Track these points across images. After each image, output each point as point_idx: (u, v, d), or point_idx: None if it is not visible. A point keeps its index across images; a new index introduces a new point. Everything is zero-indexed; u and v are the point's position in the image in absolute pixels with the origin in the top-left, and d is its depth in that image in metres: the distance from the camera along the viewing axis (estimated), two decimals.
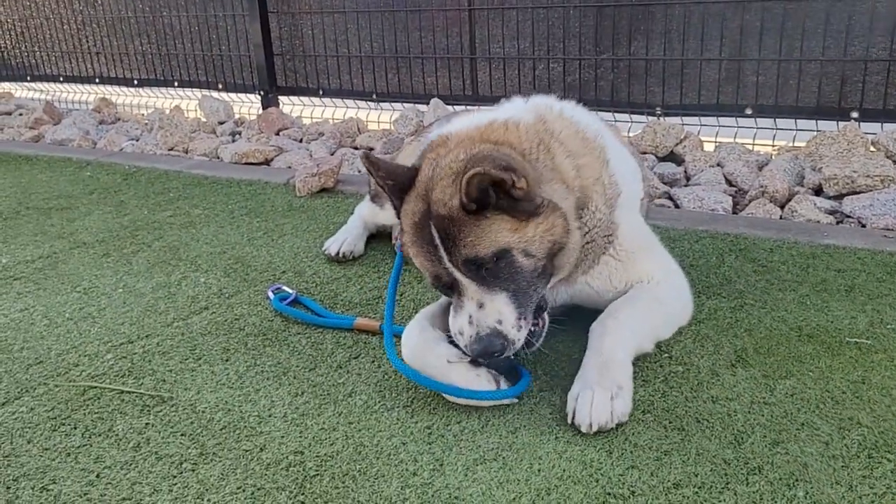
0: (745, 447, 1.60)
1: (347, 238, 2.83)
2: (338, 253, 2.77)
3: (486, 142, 1.83)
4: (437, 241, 1.76)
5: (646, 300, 2.00)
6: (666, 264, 2.13)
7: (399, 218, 1.91)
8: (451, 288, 1.80)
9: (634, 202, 2.10)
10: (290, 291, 2.44)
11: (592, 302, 2.05)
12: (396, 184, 1.87)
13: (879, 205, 2.97)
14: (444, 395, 1.83)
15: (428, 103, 4.98)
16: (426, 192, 1.80)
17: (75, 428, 1.80)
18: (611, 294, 2.04)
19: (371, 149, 4.76)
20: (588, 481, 1.53)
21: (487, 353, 1.72)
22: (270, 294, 2.44)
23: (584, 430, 1.68)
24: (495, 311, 1.74)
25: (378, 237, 2.96)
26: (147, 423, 1.81)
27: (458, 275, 1.75)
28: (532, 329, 1.80)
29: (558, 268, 1.86)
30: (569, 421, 1.71)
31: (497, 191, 1.70)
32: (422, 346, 1.85)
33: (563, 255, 1.84)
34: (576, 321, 2.06)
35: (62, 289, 2.65)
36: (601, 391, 1.71)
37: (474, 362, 1.82)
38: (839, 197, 3.20)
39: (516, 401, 1.81)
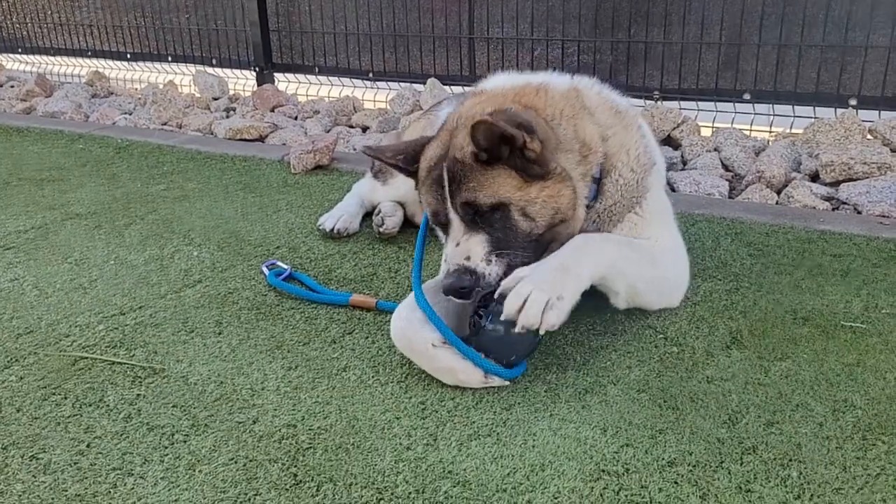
0: (739, 427, 1.60)
1: (343, 215, 2.81)
2: (333, 229, 2.75)
3: (516, 102, 1.88)
4: (445, 181, 1.82)
5: (642, 248, 1.98)
6: (673, 236, 2.14)
7: (416, 178, 1.99)
8: (444, 227, 1.88)
9: (662, 177, 2.18)
10: (285, 267, 2.42)
11: None
12: (407, 156, 1.97)
13: (876, 192, 2.97)
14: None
15: (425, 83, 4.94)
16: (448, 139, 1.88)
17: (66, 398, 1.79)
18: None
19: (367, 128, 4.73)
20: (582, 458, 1.52)
21: (454, 288, 1.73)
22: (265, 269, 2.42)
23: (503, 316, 1.67)
24: (465, 249, 1.78)
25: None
26: (138, 394, 1.79)
27: (453, 215, 1.82)
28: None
29: (556, 240, 1.85)
30: (495, 296, 1.72)
31: (510, 147, 1.75)
32: (407, 327, 1.84)
33: (564, 227, 1.84)
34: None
35: (53, 259, 2.62)
36: (539, 294, 1.67)
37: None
38: (835, 183, 3.20)
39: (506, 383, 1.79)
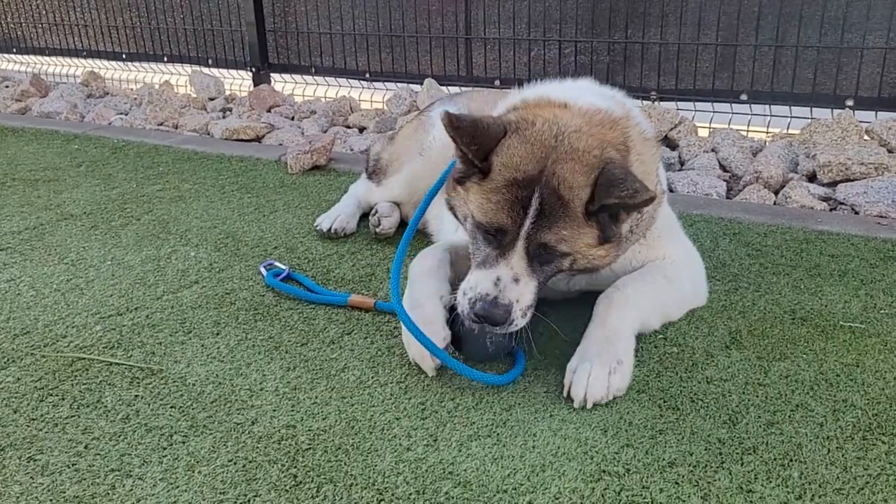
0: (739, 427, 1.60)
1: (340, 215, 2.80)
2: (329, 229, 2.74)
3: (606, 140, 1.77)
4: (533, 210, 1.69)
5: (655, 277, 1.99)
6: (684, 248, 2.14)
7: (475, 166, 1.78)
8: (498, 246, 1.74)
9: (665, 194, 2.12)
10: (283, 267, 2.41)
11: (609, 282, 2.00)
12: (481, 148, 1.75)
13: (873, 192, 2.97)
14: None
15: (422, 83, 4.93)
16: (545, 159, 1.71)
17: (63, 399, 1.78)
18: (627, 272, 2.03)
19: (364, 128, 4.72)
20: (583, 458, 1.52)
21: (491, 317, 1.69)
22: (263, 270, 2.41)
23: (576, 404, 1.68)
24: (520, 292, 1.71)
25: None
26: (136, 395, 1.78)
27: (521, 245, 1.71)
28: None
29: (570, 275, 1.89)
30: (564, 393, 1.71)
31: (614, 215, 1.73)
32: (427, 271, 1.93)
33: (587, 272, 1.85)
34: (572, 301, 2.05)
35: (49, 260, 2.61)
36: (600, 365, 1.71)
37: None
38: (833, 184, 3.20)
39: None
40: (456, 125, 1.72)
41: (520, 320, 1.72)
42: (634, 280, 1.96)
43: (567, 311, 2.06)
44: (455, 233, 2.17)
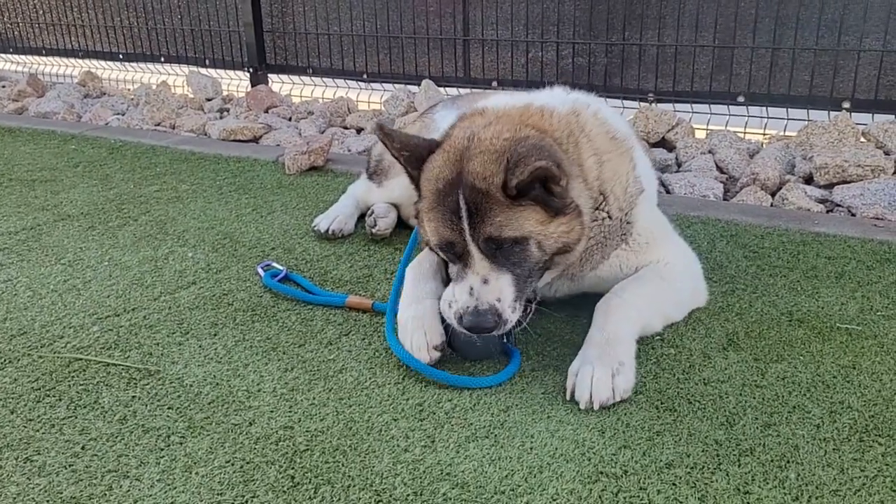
0: (736, 429, 1.60)
1: (338, 216, 2.80)
2: (327, 230, 2.74)
3: (525, 125, 1.83)
4: (464, 212, 1.76)
5: (652, 279, 1.99)
6: (678, 249, 2.14)
7: (417, 187, 1.93)
8: (458, 257, 1.81)
9: (653, 198, 2.13)
10: (281, 268, 2.41)
11: (600, 289, 2.01)
12: (413, 154, 1.88)
13: (870, 194, 2.98)
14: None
15: (419, 85, 4.93)
16: (459, 160, 1.80)
17: (60, 399, 1.77)
18: (619, 280, 2.03)
19: (361, 129, 4.72)
20: (580, 460, 1.52)
21: (480, 327, 1.72)
22: (260, 271, 2.40)
23: (582, 405, 1.68)
24: (497, 289, 1.74)
25: None
26: (133, 396, 1.78)
27: (473, 248, 1.76)
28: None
29: (555, 265, 1.88)
30: (567, 396, 1.71)
31: (540, 183, 1.73)
32: (423, 274, 1.97)
33: (566, 256, 1.85)
34: (568, 303, 2.05)
35: (46, 260, 2.60)
36: (602, 367, 1.71)
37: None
38: (829, 186, 3.21)
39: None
40: (387, 132, 1.89)
41: (511, 316, 1.75)
42: (632, 284, 1.97)
43: (563, 314, 2.07)
44: None
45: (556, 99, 2.00)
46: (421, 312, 1.87)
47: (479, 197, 1.74)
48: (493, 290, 1.74)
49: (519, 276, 1.77)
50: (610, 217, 1.95)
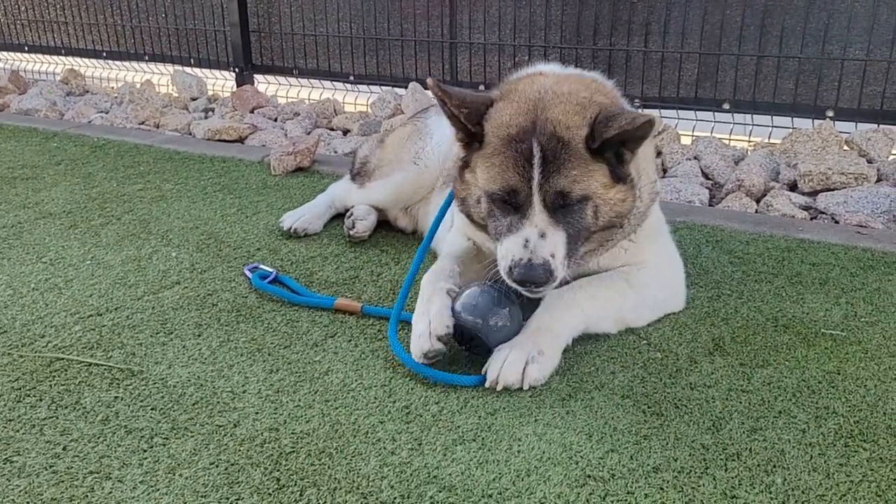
0: (723, 433, 1.61)
1: (305, 215, 2.79)
2: (290, 228, 2.73)
3: (590, 87, 1.85)
4: (537, 159, 1.72)
5: (616, 283, 2.00)
6: (665, 254, 2.15)
7: (469, 144, 1.88)
8: (515, 208, 1.77)
9: (659, 196, 2.16)
10: (270, 270, 2.38)
11: (594, 273, 2.04)
12: (472, 111, 1.83)
13: (853, 202, 3.01)
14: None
15: (406, 87, 4.93)
16: (533, 110, 1.77)
17: (41, 399, 1.74)
18: (615, 269, 2.05)
19: (348, 130, 4.71)
20: (567, 463, 1.51)
21: (532, 279, 1.71)
22: (248, 273, 2.38)
23: (486, 384, 1.72)
24: (553, 244, 1.73)
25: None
26: (116, 397, 1.76)
27: (537, 198, 1.74)
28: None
29: (593, 241, 1.87)
30: (482, 373, 1.77)
31: (622, 145, 1.74)
32: (437, 272, 1.97)
33: (608, 232, 1.86)
34: None
35: (27, 259, 2.56)
36: (518, 352, 1.73)
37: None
38: (813, 193, 3.23)
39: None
40: (444, 89, 1.80)
41: (561, 273, 1.75)
42: (591, 284, 1.97)
43: None
44: (455, 241, 2.20)
45: (599, 76, 2.03)
46: (429, 308, 1.84)
47: (559, 146, 1.72)
48: (549, 244, 1.72)
49: (571, 236, 1.76)
50: (641, 200, 1.94)
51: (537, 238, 1.73)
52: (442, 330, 1.79)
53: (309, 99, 5.44)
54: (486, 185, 1.81)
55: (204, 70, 5.98)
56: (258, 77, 5.77)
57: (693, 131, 4.18)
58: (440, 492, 1.44)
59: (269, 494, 1.43)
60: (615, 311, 1.98)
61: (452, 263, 2.04)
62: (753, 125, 4.11)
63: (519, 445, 1.57)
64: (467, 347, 1.87)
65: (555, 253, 1.73)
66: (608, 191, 1.77)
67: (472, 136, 1.86)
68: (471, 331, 1.81)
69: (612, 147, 1.75)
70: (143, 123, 4.93)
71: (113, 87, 6.29)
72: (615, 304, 1.98)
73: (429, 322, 1.81)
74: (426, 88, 4.80)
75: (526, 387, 1.73)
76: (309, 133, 4.62)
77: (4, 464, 1.52)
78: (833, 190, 3.18)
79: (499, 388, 1.72)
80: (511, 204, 1.77)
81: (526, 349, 1.74)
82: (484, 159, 1.81)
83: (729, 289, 2.30)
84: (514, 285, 1.76)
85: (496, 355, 1.75)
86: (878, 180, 3.30)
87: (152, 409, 1.71)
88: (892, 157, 3.60)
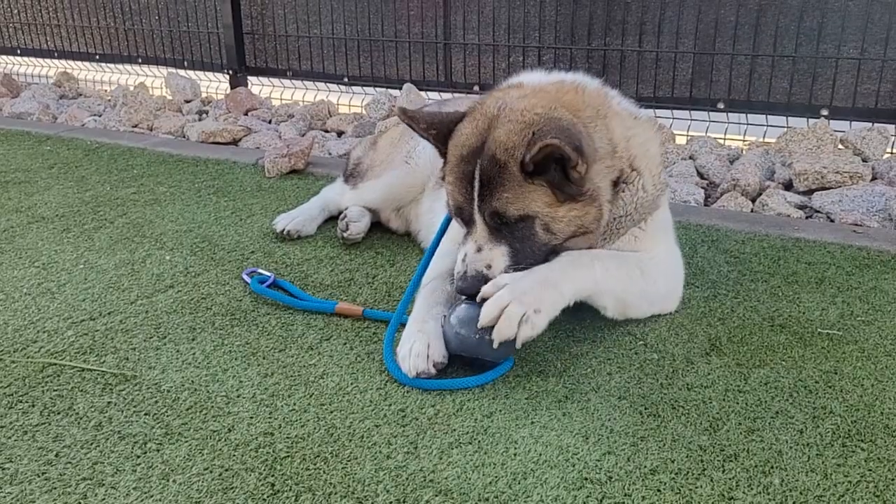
0: (720, 434, 1.60)
1: (298, 217, 2.78)
2: (283, 230, 2.72)
3: (558, 101, 1.84)
4: (477, 180, 1.78)
5: (630, 266, 1.99)
6: (671, 252, 2.15)
7: (444, 160, 1.95)
8: (466, 223, 1.86)
9: (668, 189, 2.18)
10: (268, 274, 2.36)
11: None
12: (440, 132, 1.92)
13: (848, 201, 3.01)
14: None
15: (400, 88, 4.92)
16: (487, 129, 1.81)
17: (33, 405, 1.73)
18: None
19: (342, 132, 4.69)
20: (564, 466, 1.51)
21: (465, 291, 1.79)
22: (246, 277, 2.36)
23: (479, 324, 1.72)
24: (488, 258, 1.79)
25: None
26: (109, 402, 1.74)
27: (478, 217, 1.80)
28: None
29: (572, 247, 1.87)
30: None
31: (557, 165, 1.73)
32: (431, 289, 1.98)
33: (583, 238, 1.86)
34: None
35: (19, 263, 2.55)
36: (517, 305, 1.70)
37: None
38: (809, 192, 3.23)
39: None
40: (411, 115, 1.92)
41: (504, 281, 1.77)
42: (611, 256, 1.96)
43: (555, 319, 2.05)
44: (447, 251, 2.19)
45: (586, 79, 2.03)
46: (423, 331, 1.84)
47: (496, 169, 1.75)
48: (483, 258, 1.78)
49: (519, 250, 1.79)
50: (645, 190, 1.96)
51: (473, 253, 1.80)
52: (440, 358, 1.80)
53: (303, 101, 5.43)
54: (446, 200, 1.92)
55: (197, 72, 5.96)
56: (252, 79, 5.75)
57: (688, 131, 4.18)
58: (436, 496, 1.43)
59: (264, 500, 1.42)
60: (621, 290, 1.97)
61: (444, 283, 2.02)
62: (748, 124, 4.10)
63: (515, 448, 1.56)
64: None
65: (491, 265, 1.78)
66: (556, 209, 1.77)
67: (443, 153, 1.95)
68: (469, 349, 1.79)
69: (551, 164, 1.73)
70: (136, 126, 4.91)
71: (106, 90, 6.27)
72: (623, 285, 1.97)
73: (428, 345, 1.80)
74: (420, 90, 4.82)
75: (518, 345, 1.72)
76: (303, 135, 4.60)
77: None
78: (828, 189, 3.18)
79: (495, 344, 1.71)
80: (462, 219, 1.86)
81: (525, 303, 1.70)
82: (447, 175, 1.90)
83: (725, 288, 2.30)
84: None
85: (496, 300, 1.71)
86: (873, 179, 3.30)
87: (146, 414, 1.69)
88: (887, 156, 3.60)
